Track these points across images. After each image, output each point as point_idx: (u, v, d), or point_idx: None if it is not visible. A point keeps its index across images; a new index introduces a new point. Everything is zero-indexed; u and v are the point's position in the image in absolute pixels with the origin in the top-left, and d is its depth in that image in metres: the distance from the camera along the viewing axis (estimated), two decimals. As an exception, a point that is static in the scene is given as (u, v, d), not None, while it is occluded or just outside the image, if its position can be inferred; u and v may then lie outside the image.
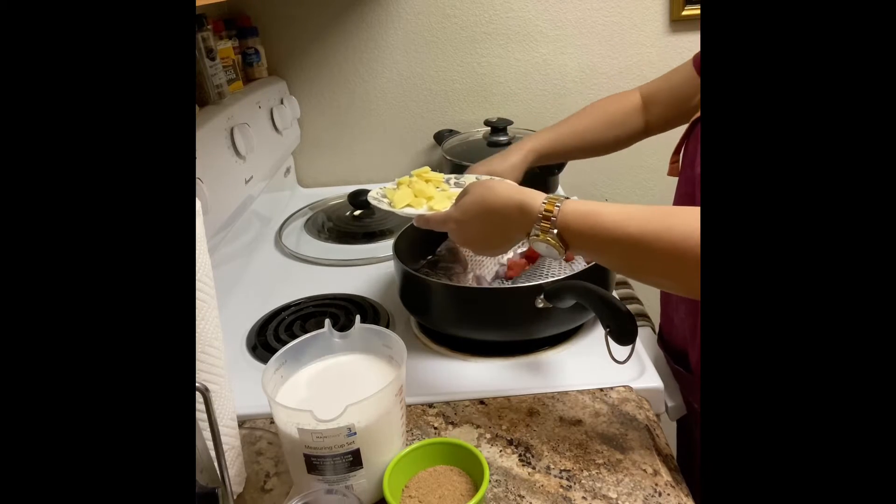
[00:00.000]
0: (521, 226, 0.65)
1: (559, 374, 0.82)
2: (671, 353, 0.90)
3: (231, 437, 0.63)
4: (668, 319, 0.92)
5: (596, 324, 0.91)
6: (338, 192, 1.45)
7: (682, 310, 0.86)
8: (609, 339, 0.70)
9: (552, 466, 0.67)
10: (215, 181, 0.99)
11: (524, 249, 0.98)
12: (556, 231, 0.62)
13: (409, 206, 0.85)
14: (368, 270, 1.13)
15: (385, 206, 0.85)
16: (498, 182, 0.71)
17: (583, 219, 0.62)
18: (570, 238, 0.63)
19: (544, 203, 0.63)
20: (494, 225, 0.68)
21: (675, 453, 0.71)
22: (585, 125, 1.03)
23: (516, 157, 1.00)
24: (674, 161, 0.88)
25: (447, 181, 0.94)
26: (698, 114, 0.83)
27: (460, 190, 0.91)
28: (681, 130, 0.86)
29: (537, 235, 0.63)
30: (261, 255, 1.23)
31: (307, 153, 1.54)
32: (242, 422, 0.75)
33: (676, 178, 0.89)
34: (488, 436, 0.72)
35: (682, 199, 0.85)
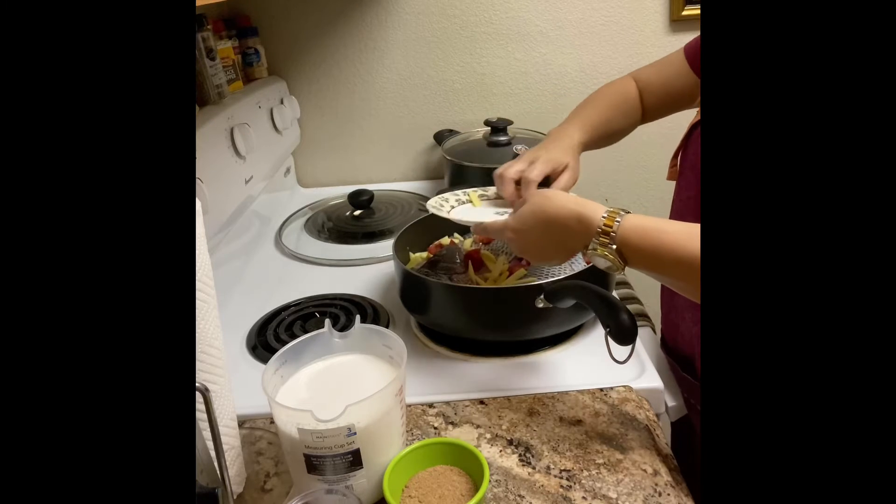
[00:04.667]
0: (579, 238, 0.64)
1: (559, 374, 0.82)
2: (677, 360, 0.90)
3: (231, 437, 0.63)
4: (672, 326, 0.91)
5: (596, 324, 0.91)
6: (338, 192, 1.45)
7: (689, 317, 0.85)
8: (609, 339, 0.70)
9: (552, 466, 0.67)
10: (215, 181, 0.99)
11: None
12: (614, 246, 0.61)
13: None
14: (368, 270, 1.13)
15: (444, 214, 0.88)
16: (556, 192, 0.70)
17: (644, 235, 0.60)
18: (629, 254, 0.61)
19: (604, 217, 0.62)
20: (552, 235, 0.67)
21: (674, 453, 0.71)
22: (607, 115, 1.02)
23: (569, 144, 0.96)
24: (673, 165, 0.88)
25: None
26: (696, 117, 0.82)
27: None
28: (680, 133, 0.85)
29: (595, 249, 0.62)
30: (261, 255, 1.23)
31: (307, 153, 1.54)
32: (242, 422, 0.75)
33: (675, 182, 0.89)
34: (488, 436, 0.72)
35: (684, 203, 0.85)
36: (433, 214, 0.91)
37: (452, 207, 0.93)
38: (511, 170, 0.87)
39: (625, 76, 1.04)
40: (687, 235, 0.58)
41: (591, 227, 0.63)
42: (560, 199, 0.67)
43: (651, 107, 1.01)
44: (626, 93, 1.02)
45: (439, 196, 0.95)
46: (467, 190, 0.97)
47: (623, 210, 0.63)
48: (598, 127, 1.00)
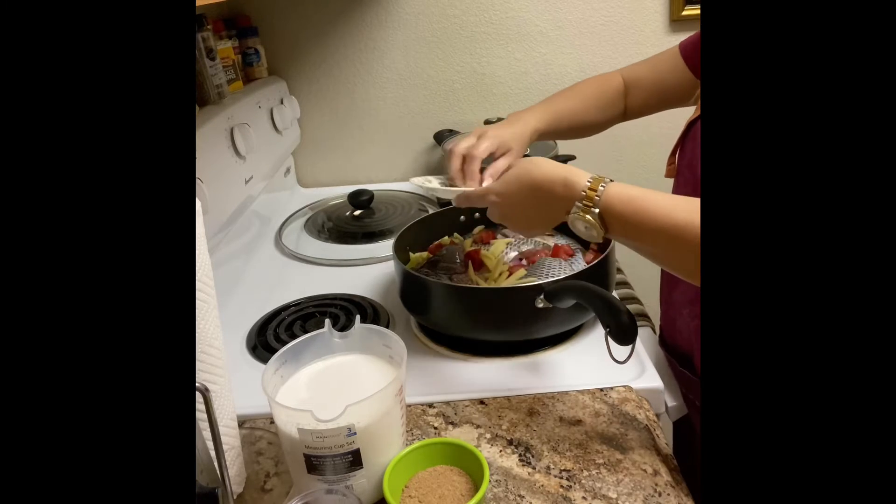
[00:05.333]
0: (563, 202, 0.64)
1: (559, 374, 0.82)
2: (675, 356, 0.90)
3: (231, 437, 0.63)
4: (670, 322, 0.91)
5: (596, 324, 0.91)
6: (338, 192, 1.45)
7: (686, 313, 0.86)
8: (609, 339, 0.70)
9: (552, 466, 0.67)
10: (215, 181, 0.99)
11: (525, 249, 0.98)
12: (597, 211, 0.61)
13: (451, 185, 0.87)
14: (368, 270, 1.13)
15: (429, 185, 0.86)
16: (543, 159, 0.69)
17: (628, 202, 0.61)
18: (611, 220, 0.62)
19: (589, 182, 0.63)
20: (537, 200, 0.67)
21: (674, 453, 0.71)
22: (578, 106, 1.01)
23: (522, 130, 0.97)
24: (671, 163, 0.88)
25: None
26: (694, 114, 0.82)
27: None
28: (678, 132, 0.85)
29: (577, 213, 0.62)
30: (261, 255, 1.23)
31: (307, 153, 1.54)
32: (242, 422, 0.75)
33: (673, 180, 0.89)
34: (488, 436, 0.72)
35: None
36: (433, 214, 0.91)
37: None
38: (459, 145, 0.87)
39: (613, 71, 1.03)
40: (671, 206, 0.59)
41: (576, 190, 0.63)
42: (547, 165, 0.67)
43: (638, 103, 1.00)
44: (608, 87, 1.01)
45: (422, 177, 0.92)
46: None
47: (608, 179, 0.63)
48: (564, 117, 1.00)
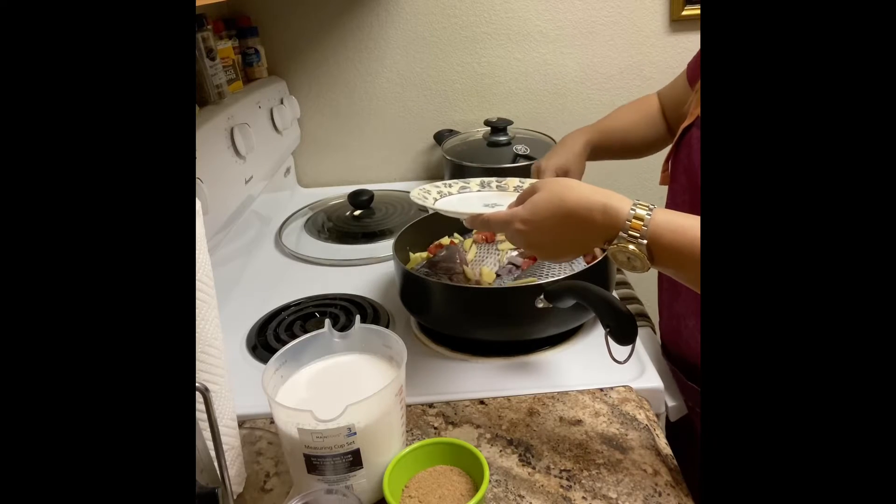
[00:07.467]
0: (603, 231, 0.60)
1: (559, 374, 0.82)
2: (681, 369, 0.88)
3: (231, 437, 0.63)
4: (674, 332, 0.89)
5: (596, 324, 0.91)
6: (338, 192, 1.45)
7: (692, 325, 0.85)
8: (609, 339, 0.70)
9: (552, 466, 0.67)
10: (215, 181, 0.99)
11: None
12: (645, 242, 0.57)
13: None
14: (368, 270, 1.13)
15: (429, 205, 0.81)
16: (573, 181, 0.64)
17: (677, 232, 0.56)
18: (657, 251, 0.57)
19: (632, 210, 0.58)
20: (572, 228, 0.62)
21: (674, 453, 0.71)
22: (625, 122, 1.02)
23: (578, 147, 0.96)
24: (665, 170, 0.88)
25: (487, 184, 0.91)
26: (686, 122, 0.82)
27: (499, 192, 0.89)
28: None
29: (620, 244, 0.58)
30: (261, 255, 1.23)
31: (307, 153, 1.54)
32: (242, 422, 0.75)
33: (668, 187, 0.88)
34: (488, 436, 0.72)
35: (678, 207, 0.84)
36: (433, 214, 0.91)
37: (436, 199, 0.86)
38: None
39: (651, 94, 1.06)
40: None
41: (619, 218, 0.58)
42: (581, 189, 0.62)
43: (673, 120, 1.03)
44: (648, 105, 1.04)
45: (420, 188, 0.88)
46: (450, 182, 0.91)
47: (651, 204, 0.59)
48: (613, 132, 1.01)
